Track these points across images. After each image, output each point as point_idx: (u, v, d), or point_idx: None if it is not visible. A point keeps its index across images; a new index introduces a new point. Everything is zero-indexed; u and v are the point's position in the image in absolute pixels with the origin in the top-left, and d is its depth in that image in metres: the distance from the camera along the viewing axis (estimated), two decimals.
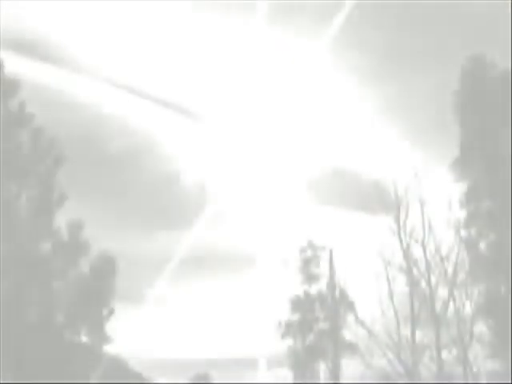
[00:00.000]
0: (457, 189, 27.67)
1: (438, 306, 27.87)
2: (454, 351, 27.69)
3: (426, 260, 27.95)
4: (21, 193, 21.68)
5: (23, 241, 21.41)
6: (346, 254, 29.23)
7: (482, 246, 27.90)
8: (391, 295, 27.76)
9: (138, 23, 32.76)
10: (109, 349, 24.64)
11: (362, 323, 28.44)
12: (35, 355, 21.23)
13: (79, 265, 22.78)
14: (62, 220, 23.03)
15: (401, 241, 27.97)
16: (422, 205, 28.20)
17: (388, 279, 27.87)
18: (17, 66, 22.52)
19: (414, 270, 28.02)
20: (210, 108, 34.40)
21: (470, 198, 27.87)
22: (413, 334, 27.54)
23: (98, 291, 22.77)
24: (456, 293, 27.97)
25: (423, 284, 27.95)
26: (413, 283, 27.79)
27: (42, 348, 21.47)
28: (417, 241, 27.91)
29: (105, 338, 23.36)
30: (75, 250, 22.22)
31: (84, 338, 23.38)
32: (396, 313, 27.71)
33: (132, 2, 31.51)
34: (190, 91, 35.84)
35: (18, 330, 21.22)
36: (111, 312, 23.30)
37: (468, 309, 27.83)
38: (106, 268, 22.81)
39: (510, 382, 25.35)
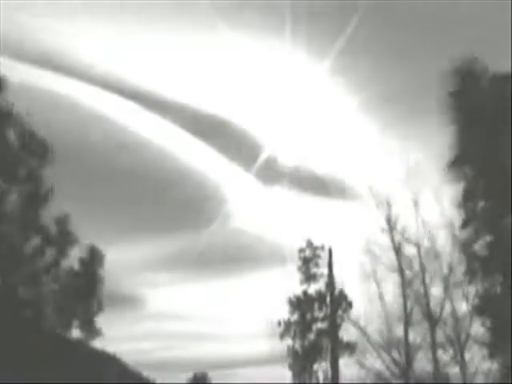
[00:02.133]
0: (453, 189, 27.72)
1: (433, 305, 27.79)
2: (451, 351, 27.57)
3: (421, 260, 27.90)
4: (10, 189, 22.14)
5: (12, 236, 21.86)
6: (342, 254, 29.36)
7: (479, 246, 27.88)
8: (381, 295, 27.77)
9: (138, 25, 33.31)
10: (109, 348, 25.09)
11: (354, 323, 28.48)
12: (26, 351, 21.39)
13: (68, 259, 23.13)
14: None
15: (393, 241, 27.99)
16: (416, 205, 28.23)
17: (376, 279, 27.92)
18: (8, 67, 23.10)
19: (407, 270, 28.00)
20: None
21: (466, 199, 27.86)
22: (406, 333, 27.46)
23: (86, 284, 23.09)
24: (452, 293, 27.87)
25: (417, 283, 27.91)
26: (405, 283, 27.75)
27: (34, 344, 21.66)
28: (409, 241, 27.90)
29: (95, 332, 23.58)
30: (63, 243, 22.60)
31: (75, 333, 23.62)
32: (387, 312, 27.73)
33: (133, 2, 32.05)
34: (191, 90, 36.39)
35: (8, 326, 21.39)
36: (100, 305, 23.58)
37: (464, 308, 27.76)
38: (93, 261, 23.15)
39: (508, 382, 25.25)
